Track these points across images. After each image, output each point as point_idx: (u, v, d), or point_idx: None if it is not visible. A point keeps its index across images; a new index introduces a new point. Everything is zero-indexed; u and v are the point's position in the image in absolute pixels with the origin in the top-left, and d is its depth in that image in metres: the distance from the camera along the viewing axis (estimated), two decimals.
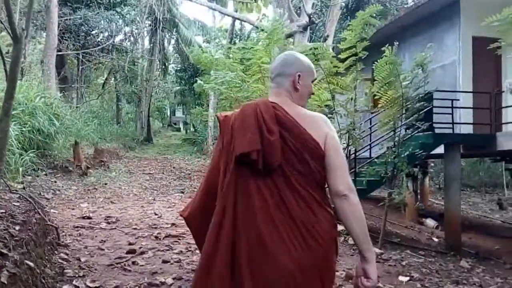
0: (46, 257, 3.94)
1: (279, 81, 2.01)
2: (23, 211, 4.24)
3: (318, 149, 1.81)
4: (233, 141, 1.84)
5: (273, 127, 1.80)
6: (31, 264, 3.19)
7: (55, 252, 4.46)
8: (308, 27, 13.89)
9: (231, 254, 1.73)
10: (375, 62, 7.63)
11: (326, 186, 1.88)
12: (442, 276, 5.47)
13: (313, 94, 2.12)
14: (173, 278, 4.09)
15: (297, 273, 1.69)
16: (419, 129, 7.93)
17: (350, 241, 6.54)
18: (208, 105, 22.03)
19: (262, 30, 12.29)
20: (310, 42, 15.72)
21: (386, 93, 7.68)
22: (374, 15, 7.90)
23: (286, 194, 1.76)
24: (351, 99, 8.35)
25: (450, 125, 9.19)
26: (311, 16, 13.31)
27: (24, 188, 6.65)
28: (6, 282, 2.69)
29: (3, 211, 3.86)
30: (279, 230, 1.71)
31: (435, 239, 9.30)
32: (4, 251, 3.05)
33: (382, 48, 7.29)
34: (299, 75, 1.99)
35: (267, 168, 1.77)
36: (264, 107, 1.88)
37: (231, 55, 12.55)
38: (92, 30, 21.14)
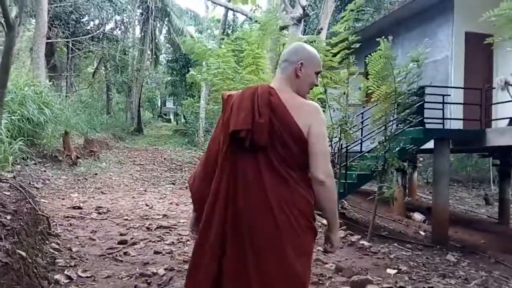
0: (38, 247, 3.92)
1: (283, 66, 2.18)
2: (13, 201, 4.21)
3: (301, 137, 1.99)
4: (230, 118, 2.03)
5: (264, 110, 1.98)
6: (23, 253, 3.18)
7: (46, 241, 4.45)
8: (302, 20, 13.86)
9: (224, 216, 1.98)
10: (369, 56, 7.65)
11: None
12: (429, 269, 5.55)
13: (316, 85, 2.24)
14: (165, 269, 4.10)
15: (274, 228, 1.92)
16: (410, 124, 8.00)
17: (340, 234, 6.60)
18: (199, 97, 21.95)
19: (256, 21, 12.25)
20: (303, 35, 15.70)
21: (379, 88, 7.71)
22: (368, 8, 7.92)
23: (267, 172, 1.96)
24: (344, 93, 8.38)
25: (441, 121, 9.27)
26: (305, 8, 13.27)
27: (14, 177, 6.59)
28: None
29: None
30: (262, 202, 1.94)
31: (422, 233, 9.42)
32: None
33: (377, 39, 7.29)
34: (301, 63, 2.12)
35: (254, 146, 1.97)
36: (261, 92, 2.05)
37: (223, 46, 12.48)
38: (82, 17, 20.90)
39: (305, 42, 9.70)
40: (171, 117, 43.89)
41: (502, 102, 9.42)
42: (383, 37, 7.23)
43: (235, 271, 1.94)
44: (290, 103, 2.03)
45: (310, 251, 2.11)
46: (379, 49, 7.30)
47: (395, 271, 4.88)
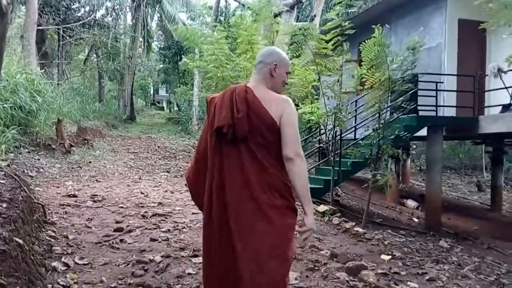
0: (34, 235, 3.93)
1: (259, 67, 2.49)
2: (9, 189, 4.20)
3: (274, 126, 2.30)
4: (215, 117, 2.36)
5: (241, 107, 2.30)
6: (20, 241, 3.18)
7: (43, 229, 4.45)
8: (295, 6, 13.80)
9: (223, 199, 2.27)
10: (362, 44, 7.63)
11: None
12: (422, 255, 5.63)
13: (286, 84, 2.59)
14: (162, 256, 4.13)
15: (256, 208, 2.24)
16: (404, 112, 8.03)
17: (334, 221, 6.67)
18: (192, 84, 21.84)
19: (249, 8, 12.18)
20: (297, 22, 15.63)
21: (373, 75, 7.71)
22: None
23: (247, 159, 2.28)
24: (338, 81, 8.38)
25: (434, 108, 9.31)
26: None
27: (8, 165, 6.56)
28: None
29: None
30: (246, 187, 2.26)
31: (415, 220, 9.51)
32: None
33: (372, 26, 7.26)
34: (275, 65, 2.44)
35: (236, 138, 2.29)
36: (238, 91, 2.38)
37: (216, 33, 12.40)
38: (73, 4, 20.64)
39: (299, 29, 9.69)
40: (164, 105, 43.68)
41: (495, 89, 9.47)
42: (379, 25, 7.22)
43: (237, 251, 2.22)
44: (265, 98, 2.35)
45: (292, 226, 2.35)
46: (373, 37, 7.28)
47: (389, 257, 4.94)
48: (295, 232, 2.42)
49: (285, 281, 2.26)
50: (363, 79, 8.01)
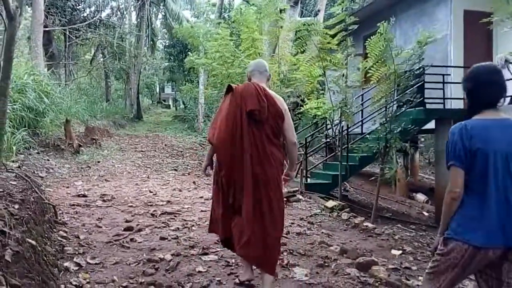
0: (46, 235, 3.96)
1: (264, 74, 3.54)
2: (20, 190, 4.24)
3: (282, 116, 3.30)
4: (244, 102, 3.22)
5: (263, 98, 3.24)
6: (33, 242, 3.21)
7: (54, 230, 4.49)
8: (299, 2, 13.75)
9: (252, 153, 3.20)
10: (366, 37, 7.60)
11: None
12: None
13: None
14: (172, 254, 4.15)
15: (268, 183, 3.21)
16: (411, 105, 7.99)
17: (343, 217, 6.66)
18: (198, 82, 21.85)
19: (253, 4, 12.15)
20: (301, 17, 15.58)
21: (379, 70, 7.69)
22: None
23: (264, 137, 3.24)
24: (343, 75, 8.36)
25: (441, 100, 9.26)
26: None
27: (19, 166, 6.62)
28: (10, 260, 2.71)
29: (1, 190, 3.86)
30: (266, 159, 3.22)
31: (426, 213, 9.48)
32: (6, 229, 3.07)
33: (377, 19, 7.23)
34: (270, 74, 3.63)
35: (260, 119, 3.22)
36: (258, 87, 3.31)
37: (220, 30, 12.39)
38: (78, 4, 20.71)
39: (303, 24, 9.66)
40: (170, 103, 43.78)
41: None
42: (384, 21, 7.18)
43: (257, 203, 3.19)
44: (273, 95, 3.36)
45: (281, 167, 3.40)
46: (379, 32, 7.25)
47: (400, 252, 4.93)
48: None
49: (279, 181, 3.36)
50: (369, 74, 7.99)
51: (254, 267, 3.45)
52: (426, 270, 2.49)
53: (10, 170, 4.85)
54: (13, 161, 7.12)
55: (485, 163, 2.22)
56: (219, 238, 3.57)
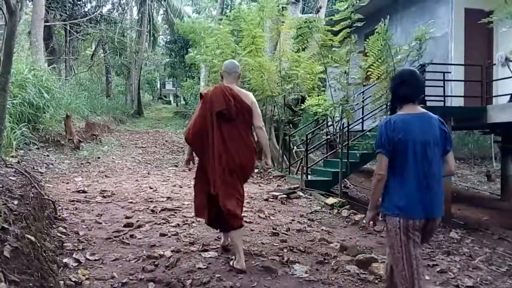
0: (45, 231, 3.96)
1: (234, 75, 4.11)
2: (19, 186, 4.23)
3: (249, 109, 3.97)
4: (212, 104, 3.90)
5: (230, 98, 3.89)
6: (32, 238, 3.21)
7: (53, 226, 4.49)
8: None
9: (218, 161, 3.86)
10: (367, 35, 7.59)
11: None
12: (433, 246, 5.60)
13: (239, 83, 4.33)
14: (172, 251, 4.15)
15: (243, 167, 3.98)
16: None
17: (343, 214, 6.66)
18: (199, 78, 21.82)
19: (255, 1, 12.12)
20: (302, 14, 15.54)
21: (379, 68, 7.67)
22: None
23: (235, 130, 3.93)
24: (344, 72, 8.34)
25: (442, 98, 9.23)
26: None
27: (18, 162, 6.62)
28: (9, 256, 2.71)
29: (1, 185, 3.85)
30: (235, 147, 3.90)
31: None
32: (5, 225, 3.06)
33: (379, 17, 7.21)
34: (239, 74, 4.19)
35: (229, 117, 3.88)
36: (225, 88, 3.97)
37: (222, 26, 12.37)
38: None
39: (304, 21, 9.64)
40: (171, 99, 43.79)
41: (502, 79, 9.36)
42: (384, 17, 7.16)
43: (229, 184, 3.92)
44: (241, 93, 4.05)
45: (254, 154, 4.12)
46: (377, 32, 7.23)
47: None
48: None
49: (253, 166, 4.20)
50: (369, 72, 7.97)
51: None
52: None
53: (9, 166, 4.84)
54: (12, 157, 7.12)
55: (406, 150, 2.73)
56: (205, 221, 4.27)
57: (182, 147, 13.94)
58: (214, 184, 3.87)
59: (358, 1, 7.81)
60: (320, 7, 14.00)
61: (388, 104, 7.71)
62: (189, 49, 18.33)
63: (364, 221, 4.39)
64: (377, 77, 7.83)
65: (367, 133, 8.93)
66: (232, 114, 3.86)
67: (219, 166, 3.85)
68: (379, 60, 7.61)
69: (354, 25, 7.75)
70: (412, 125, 2.76)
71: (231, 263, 3.85)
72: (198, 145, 4.05)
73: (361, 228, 5.93)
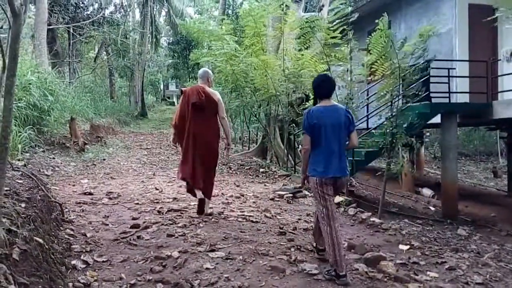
0: (53, 233, 3.96)
1: (204, 79, 5.66)
2: (26, 188, 4.25)
3: (216, 103, 5.51)
4: (189, 98, 5.42)
5: (202, 94, 5.42)
6: (40, 240, 3.21)
7: (61, 228, 4.49)
8: None
9: (193, 142, 5.44)
10: (371, 32, 7.55)
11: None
12: (441, 244, 5.58)
13: (211, 84, 5.87)
14: (179, 251, 4.14)
15: (209, 143, 5.53)
16: (417, 99, 7.94)
17: (350, 212, 6.64)
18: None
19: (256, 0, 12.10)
20: (305, 12, 15.51)
21: (383, 65, 7.64)
22: None
23: (206, 118, 5.49)
24: (347, 70, 8.31)
25: (447, 94, 9.19)
26: None
27: (25, 165, 6.62)
28: (18, 258, 2.72)
29: (8, 188, 3.86)
30: (206, 129, 5.49)
31: (432, 208, 9.43)
32: (13, 228, 3.07)
33: (376, 21, 7.19)
34: (209, 78, 5.69)
35: (201, 108, 5.41)
36: (199, 87, 5.53)
37: (223, 27, 12.36)
38: (82, 2, 20.72)
39: (306, 20, 9.62)
40: (175, 99, 43.78)
41: (508, 74, 9.32)
42: (385, 13, 7.12)
43: (200, 156, 5.46)
44: (211, 91, 5.53)
45: (218, 140, 5.69)
46: (379, 29, 7.20)
47: (408, 246, 4.90)
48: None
49: (217, 143, 5.67)
50: (373, 69, 7.94)
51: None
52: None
53: (16, 169, 4.85)
54: (19, 160, 7.14)
55: (319, 131, 3.84)
56: (187, 188, 5.79)
57: None
58: (189, 156, 5.47)
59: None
60: (323, 6, 13.97)
61: (393, 101, 7.74)
62: (192, 50, 18.35)
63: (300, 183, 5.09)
64: (381, 74, 7.80)
65: (372, 131, 8.90)
66: (203, 105, 5.44)
67: (192, 142, 5.44)
68: (383, 57, 7.58)
69: (356, 21, 7.72)
70: (324, 114, 3.87)
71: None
72: (179, 127, 5.61)
73: (368, 227, 5.90)
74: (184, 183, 8.15)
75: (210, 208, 5.83)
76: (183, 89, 5.69)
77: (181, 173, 5.54)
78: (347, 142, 3.98)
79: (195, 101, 5.36)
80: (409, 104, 7.95)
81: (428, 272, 4.04)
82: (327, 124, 3.82)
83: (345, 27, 7.99)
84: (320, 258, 4.16)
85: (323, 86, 4.00)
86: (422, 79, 7.82)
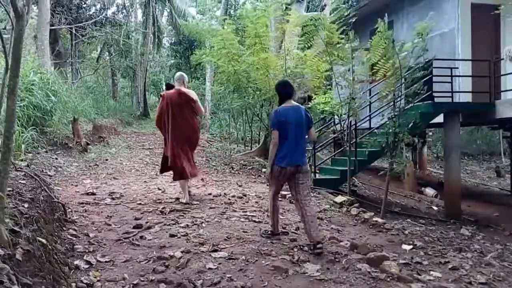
0: (56, 234, 3.97)
1: (177, 82, 6.64)
2: (30, 189, 4.26)
3: (193, 101, 6.49)
4: (171, 100, 6.44)
5: (180, 96, 6.46)
6: (43, 240, 3.21)
7: (64, 228, 4.49)
8: None
9: (173, 136, 6.47)
10: (373, 32, 7.55)
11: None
12: (444, 243, 5.57)
13: (187, 85, 6.86)
14: (182, 252, 4.14)
15: (188, 137, 6.60)
16: (419, 99, 7.92)
17: (353, 212, 6.64)
18: (204, 79, 21.82)
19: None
20: (307, 12, 15.50)
21: (384, 66, 7.63)
22: None
23: (184, 115, 6.48)
24: (349, 69, 8.31)
25: (450, 94, 9.18)
26: None
27: (28, 165, 6.64)
28: (21, 259, 2.71)
29: (11, 189, 3.87)
30: (184, 125, 6.49)
31: (435, 208, 9.42)
32: (16, 228, 3.07)
33: (384, 13, 7.17)
34: (183, 80, 6.67)
35: (179, 107, 6.42)
36: (176, 91, 6.51)
37: (226, 27, 12.36)
38: (84, 3, 20.75)
39: (309, 19, 9.60)
40: None
41: (511, 73, 9.29)
42: (388, 14, 7.12)
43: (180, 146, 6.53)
44: (186, 92, 6.52)
45: (198, 135, 6.85)
46: (379, 31, 7.19)
47: (411, 246, 4.89)
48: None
49: (196, 137, 6.76)
50: (374, 70, 7.94)
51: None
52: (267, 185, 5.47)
53: (19, 169, 4.86)
54: (21, 160, 7.15)
55: (286, 127, 4.52)
56: (173, 173, 6.69)
57: None
58: (169, 149, 6.48)
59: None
60: (325, 5, 13.97)
61: (396, 101, 7.73)
62: (194, 50, 18.35)
63: (265, 175, 5.61)
64: (383, 74, 7.79)
65: (375, 130, 8.89)
66: (182, 104, 6.45)
67: (172, 137, 6.43)
68: (384, 58, 7.57)
69: (359, 22, 7.71)
70: (289, 113, 4.59)
71: (179, 200, 6.50)
72: (160, 124, 6.73)
73: (371, 227, 5.89)
74: (187, 184, 8.23)
75: (189, 187, 6.98)
76: (161, 93, 6.89)
77: (163, 168, 6.97)
78: (306, 136, 4.75)
79: (175, 101, 6.42)
80: (411, 104, 7.95)
81: (431, 272, 4.03)
82: (292, 121, 4.54)
83: (345, 27, 7.97)
84: (316, 254, 4.26)
85: (285, 89, 4.79)
86: (424, 79, 7.81)
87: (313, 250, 4.30)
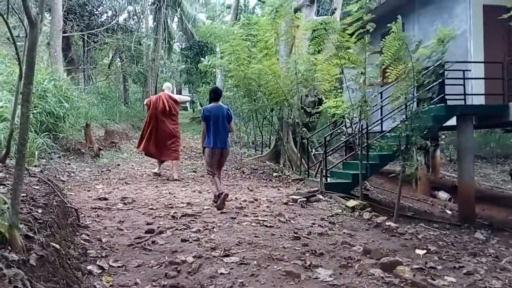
0: (69, 239, 3.99)
1: (168, 89, 10.06)
2: (43, 194, 4.29)
3: (176, 105, 9.83)
4: (158, 105, 9.49)
5: (168, 100, 9.60)
6: (57, 246, 3.24)
7: (77, 233, 4.52)
8: (315, 0, 13.66)
9: (155, 135, 9.67)
10: (384, 35, 7.51)
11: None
12: (458, 248, 5.49)
13: (172, 92, 10.86)
14: (194, 256, 4.13)
15: (170, 136, 9.69)
16: (432, 102, 7.85)
17: (365, 216, 6.59)
18: (215, 83, 21.87)
19: (268, 4, 12.11)
20: (317, 16, 15.48)
21: (397, 68, 7.58)
22: None
23: (169, 119, 9.67)
24: (361, 73, 8.27)
25: (462, 97, 9.09)
26: None
27: (41, 171, 6.71)
28: (35, 264, 2.73)
29: (25, 194, 3.90)
30: (168, 127, 9.62)
31: (449, 212, 9.31)
32: (30, 234, 3.10)
33: (389, 25, 7.13)
34: (169, 87, 10.18)
35: (167, 112, 9.56)
36: (164, 95, 9.66)
37: (235, 31, 12.39)
38: (96, 9, 20.97)
39: (320, 23, 9.59)
40: (188, 105, 43.95)
41: None
42: (397, 16, 7.08)
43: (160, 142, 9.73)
44: (173, 97, 9.85)
45: (179, 137, 10.01)
46: (392, 31, 7.14)
47: (424, 251, 4.84)
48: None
49: (176, 135, 9.77)
50: (387, 73, 7.89)
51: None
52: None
53: (32, 175, 4.91)
54: (35, 166, 7.22)
55: (210, 120, 6.57)
56: (156, 160, 10.06)
57: (200, 153, 13.97)
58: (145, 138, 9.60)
59: (369, 1, 7.73)
60: (335, 9, 13.95)
61: (407, 104, 7.67)
62: (204, 55, 18.43)
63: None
64: (395, 77, 7.75)
65: (387, 134, 8.83)
66: (170, 107, 9.39)
67: (155, 132, 9.42)
68: (397, 60, 7.52)
69: (368, 26, 7.68)
70: (213, 109, 6.59)
71: (169, 178, 9.42)
72: (152, 122, 9.44)
73: (383, 231, 5.84)
74: (198, 188, 8.27)
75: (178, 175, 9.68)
76: (150, 98, 9.92)
77: (141, 146, 9.79)
78: (228, 128, 6.71)
79: (164, 105, 9.35)
80: (424, 107, 7.88)
81: (445, 277, 3.98)
82: (215, 115, 6.54)
83: (360, 30, 7.94)
84: (221, 201, 6.25)
85: (215, 93, 6.78)
86: (437, 82, 7.75)
87: (218, 198, 6.30)
